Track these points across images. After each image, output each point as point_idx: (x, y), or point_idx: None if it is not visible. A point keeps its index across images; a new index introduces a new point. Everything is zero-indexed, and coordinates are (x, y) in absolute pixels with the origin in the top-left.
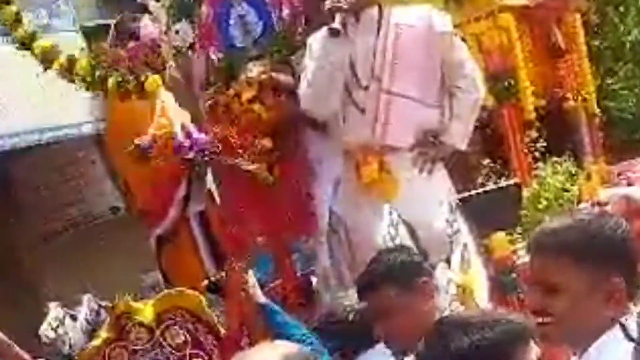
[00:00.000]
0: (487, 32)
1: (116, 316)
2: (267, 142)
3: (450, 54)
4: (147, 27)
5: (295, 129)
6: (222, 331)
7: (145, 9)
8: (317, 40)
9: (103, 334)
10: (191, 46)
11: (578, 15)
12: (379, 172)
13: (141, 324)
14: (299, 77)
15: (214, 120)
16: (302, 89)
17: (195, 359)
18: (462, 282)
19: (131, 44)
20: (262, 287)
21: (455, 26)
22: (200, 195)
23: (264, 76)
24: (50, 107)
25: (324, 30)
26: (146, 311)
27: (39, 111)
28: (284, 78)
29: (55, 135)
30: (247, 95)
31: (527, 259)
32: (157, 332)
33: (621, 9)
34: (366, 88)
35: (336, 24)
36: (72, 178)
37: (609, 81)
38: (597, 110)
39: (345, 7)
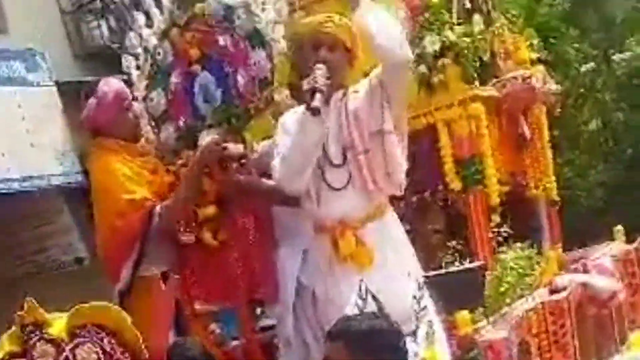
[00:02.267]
0: (458, 120)
1: (22, 326)
2: (210, 210)
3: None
4: (109, 82)
5: (245, 197)
6: (145, 354)
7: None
8: (291, 117)
9: (5, 345)
10: (164, 113)
11: (544, 107)
12: (356, 245)
13: (49, 339)
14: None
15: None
16: (276, 164)
17: None
18: (427, 356)
19: (91, 100)
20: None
21: (428, 112)
22: (159, 256)
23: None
24: (21, 158)
25: (299, 109)
26: (58, 324)
27: (9, 161)
28: (232, 148)
29: (24, 185)
30: None
31: (489, 336)
32: (67, 349)
33: (580, 101)
34: (339, 166)
35: (317, 103)
36: (39, 227)
37: (566, 169)
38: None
39: (322, 88)
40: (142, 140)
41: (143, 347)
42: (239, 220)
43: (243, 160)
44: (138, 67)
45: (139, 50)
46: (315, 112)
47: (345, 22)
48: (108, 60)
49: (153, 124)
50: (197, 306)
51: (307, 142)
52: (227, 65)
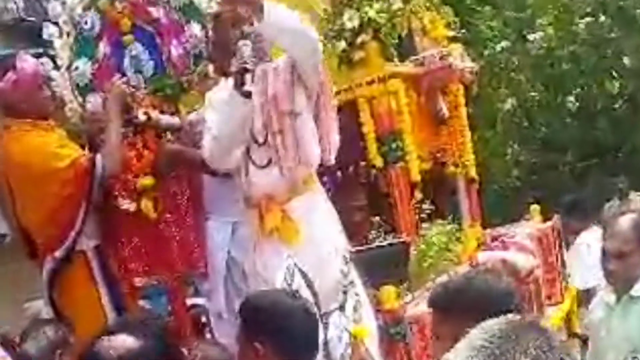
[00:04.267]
0: (378, 97)
1: None
2: (148, 181)
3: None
4: (26, 60)
5: (178, 167)
6: None
7: (41, 43)
8: (218, 94)
9: None
10: (90, 83)
11: (461, 86)
12: (282, 220)
13: None
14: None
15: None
16: (207, 141)
17: None
18: (355, 330)
19: (9, 74)
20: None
21: (348, 88)
22: (95, 229)
23: (143, 117)
24: None
25: (228, 86)
26: None
27: None
28: (167, 118)
29: None
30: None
31: (415, 310)
32: None
33: (495, 80)
34: (262, 144)
35: (248, 86)
36: None
37: (482, 148)
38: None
39: (251, 67)
40: (66, 109)
41: None
42: (174, 191)
43: (177, 132)
44: (61, 35)
45: (63, 18)
46: (247, 95)
47: None
48: (23, 33)
49: (77, 93)
50: (136, 280)
51: (236, 123)
52: (159, 37)
